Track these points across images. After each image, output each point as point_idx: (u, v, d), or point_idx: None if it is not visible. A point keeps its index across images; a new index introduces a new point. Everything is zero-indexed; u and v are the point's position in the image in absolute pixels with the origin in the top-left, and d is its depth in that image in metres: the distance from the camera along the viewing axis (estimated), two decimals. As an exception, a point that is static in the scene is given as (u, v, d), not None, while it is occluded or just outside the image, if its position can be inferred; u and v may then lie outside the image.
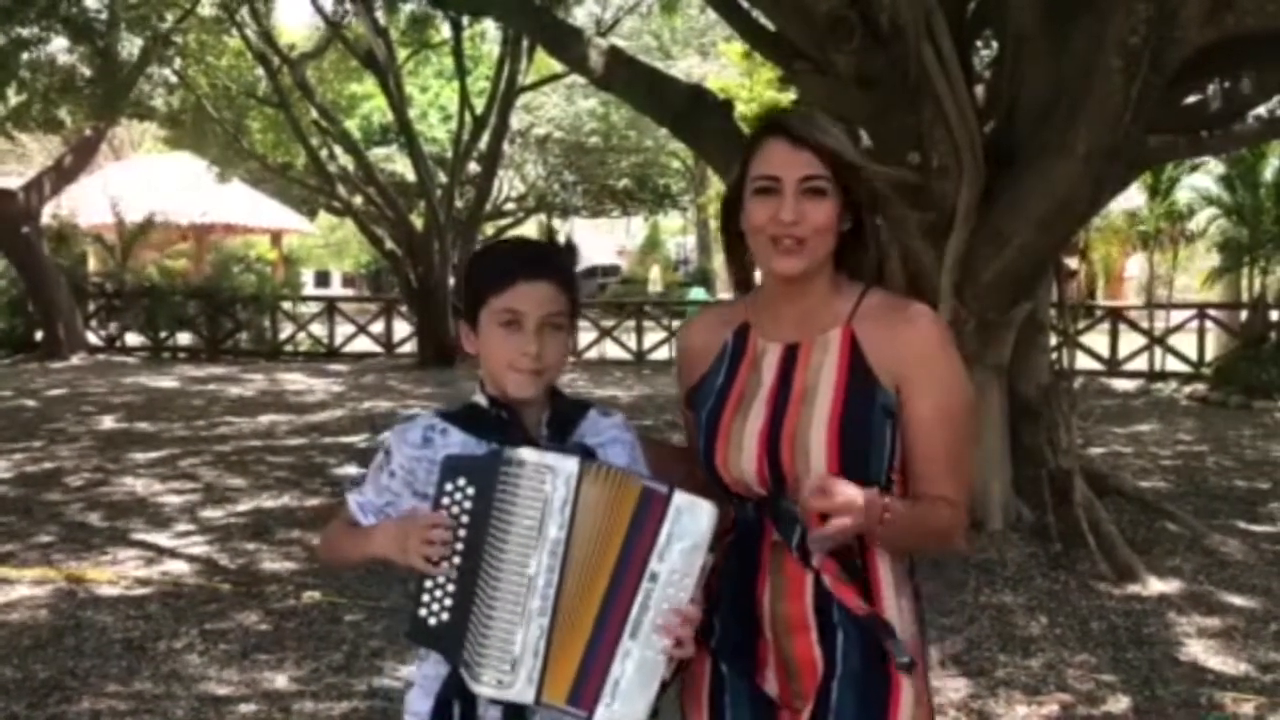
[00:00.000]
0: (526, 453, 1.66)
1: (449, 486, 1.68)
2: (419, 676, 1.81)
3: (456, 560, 1.67)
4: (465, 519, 1.67)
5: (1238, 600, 5.18)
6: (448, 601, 1.68)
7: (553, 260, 1.83)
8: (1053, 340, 6.81)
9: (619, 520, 1.65)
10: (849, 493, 1.63)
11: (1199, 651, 4.57)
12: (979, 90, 6.23)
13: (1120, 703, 4.06)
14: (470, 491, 1.67)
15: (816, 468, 1.72)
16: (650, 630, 1.64)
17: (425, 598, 1.69)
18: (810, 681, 1.78)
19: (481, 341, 1.81)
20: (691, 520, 1.64)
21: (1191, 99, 6.65)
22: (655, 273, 32.81)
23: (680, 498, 1.65)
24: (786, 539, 1.76)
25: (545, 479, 1.64)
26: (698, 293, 27.14)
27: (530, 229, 40.08)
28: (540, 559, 1.64)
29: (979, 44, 7.62)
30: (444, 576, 1.68)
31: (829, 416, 1.74)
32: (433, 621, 1.68)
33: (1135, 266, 25.19)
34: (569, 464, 1.65)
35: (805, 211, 1.73)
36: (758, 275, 1.91)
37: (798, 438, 1.75)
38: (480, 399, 1.83)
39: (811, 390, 1.77)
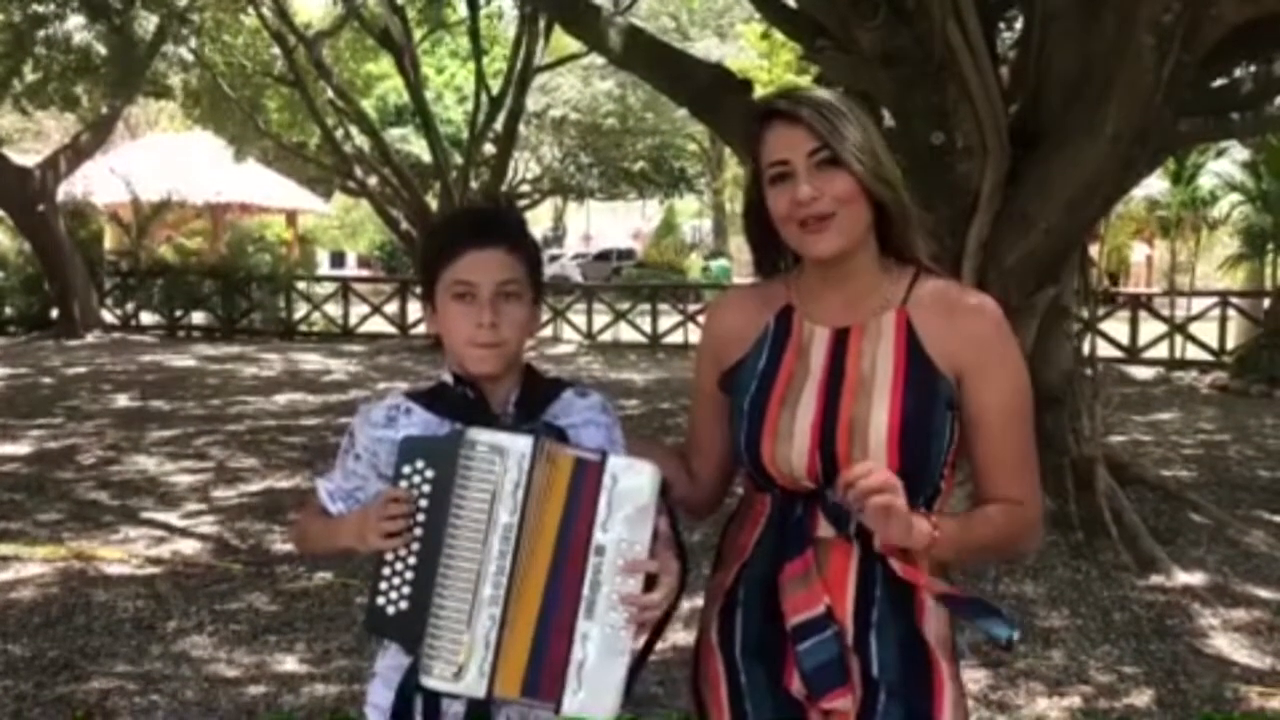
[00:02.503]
0: (479, 433, 1.59)
1: (407, 469, 1.61)
2: (381, 667, 1.74)
3: (415, 546, 1.59)
4: (424, 502, 1.59)
5: (1263, 593, 5.09)
6: (406, 590, 1.60)
7: (501, 225, 1.76)
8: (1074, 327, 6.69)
9: (556, 496, 1.57)
10: (889, 478, 1.57)
11: (1224, 644, 4.48)
12: (1003, 71, 6.11)
13: (1143, 696, 3.98)
14: (429, 474, 1.59)
15: (876, 458, 1.63)
16: (607, 607, 1.57)
17: (383, 585, 1.61)
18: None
19: (439, 319, 1.74)
20: (630, 483, 1.57)
21: (1219, 82, 6.52)
22: (698, 261, 32.48)
23: (615, 461, 1.58)
24: (842, 530, 1.67)
25: (495, 461, 1.57)
26: (720, 265, 26.98)
27: (546, 210, 40.13)
28: (492, 545, 1.57)
29: (1001, 25, 7.48)
30: (402, 564, 1.60)
31: (889, 406, 1.64)
32: (391, 610, 1.61)
33: (1139, 254, 25.01)
34: (520, 444, 1.58)
35: (822, 185, 1.64)
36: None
37: (855, 428, 1.64)
38: (447, 377, 1.76)
39: (868, 378, 1.67)
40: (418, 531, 1.59)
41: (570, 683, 1.57)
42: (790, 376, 1.71)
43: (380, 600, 1.61)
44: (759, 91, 8.84)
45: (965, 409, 1.67)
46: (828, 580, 1.68)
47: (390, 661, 1.71)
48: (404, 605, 1.60)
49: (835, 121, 1.64)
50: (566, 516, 1.57)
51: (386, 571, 1.61)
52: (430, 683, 1.59)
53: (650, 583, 1.60)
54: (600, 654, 1.57)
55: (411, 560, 1.60)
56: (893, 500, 1.54)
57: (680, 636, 1.86)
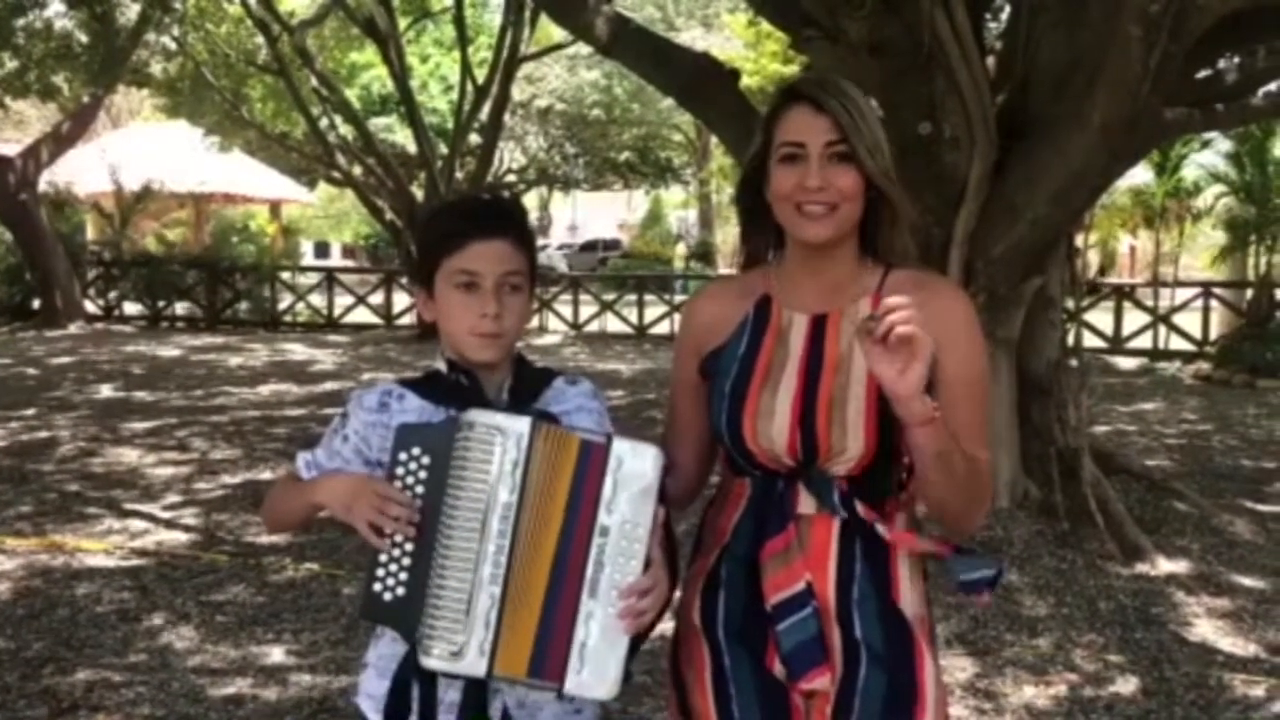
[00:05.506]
0: (476, 414, 1.60)
1: (403, 456, 1.61)
2: (374, 657, 1.74)
3: (411, 532, 1.60)
4: (420, 489, 1.60)
5: (1247, 581, 5.12)
6: (403, 576, 1.60)
7: (507, 217, 1.77)
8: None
9: (561, 477, 1.59)
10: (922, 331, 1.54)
11: (1208, 632, 4.51)
12: (990, 61, 6.11)
13: (1129, 684, 4.00)
14: (425, 461, 1.60)
15: (854, 434, 1.69)
16: (609, 587, 1.58)
17: (380, 572, 1.61)
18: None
19: (439, 307, 1.74)
20: (635, 465, 1.58)
21: (1204, 73, 6.53)
22: (680, 250, 32.43)
23: (620, 444, 1.59)
24: (825, 501, 1.71)
25: (495, 440, 1.58)
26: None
27: (531, 201, 40.03)
28: (491, 524, 1.57)
29: (988, 15, 7.48)
30: (399, 550, 1.61)
31: (867, 382, 1.69)
32: (388, 597, 1.61)
33: (1123, 245, 25.07)
34: (519, 424, 1.59)
35: (831, 177, 1.70)
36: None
37: (834, 404, 1.70)
38: (440, 365, 1.77)
39: (846, 358, 1.72)
40: (415, 518, 1.60)
41: (573, 662, 1.58)
42: (770, 359, 1.76)
43: (377, 587, 1.61)
44: (745, 83, 8.82)
45: (932, 379, 1.70)
46: (809, 557, 1.71)
47: (384, 650, 1.71)
48: (401, 592, 1.60)
49: (857, 119, 1.70)
50: (572, 498, 1.58)
51: (383, 559, 1.61)
52: (430, 663, 1.59)
53: (646, 567, 1.61)
54: (602, 633, 1.58)
55: (409, 547, 1.60)
56: (920, 334, 1.52)
57: (670, 626, 1.86)
